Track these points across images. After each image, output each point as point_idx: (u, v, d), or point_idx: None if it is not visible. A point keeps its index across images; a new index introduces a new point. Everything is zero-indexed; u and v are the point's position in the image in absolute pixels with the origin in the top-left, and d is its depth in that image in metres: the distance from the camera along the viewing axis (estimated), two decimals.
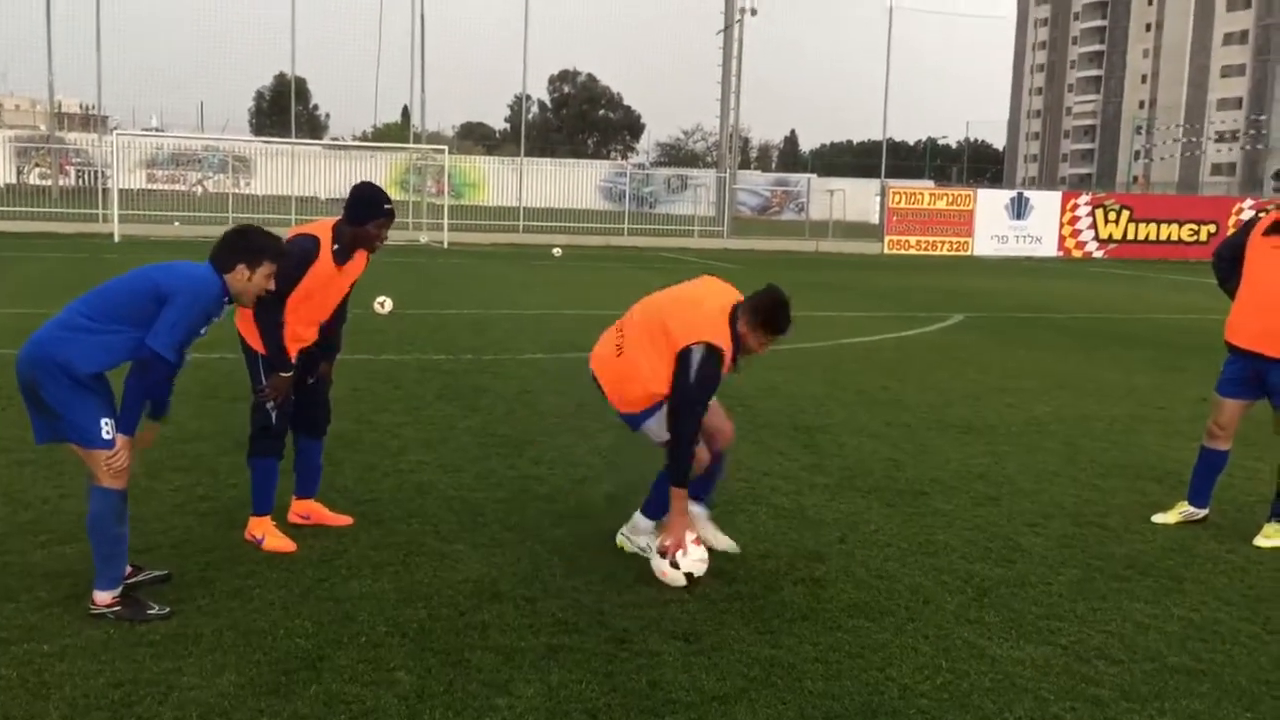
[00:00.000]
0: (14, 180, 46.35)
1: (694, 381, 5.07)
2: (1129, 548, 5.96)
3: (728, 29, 41.19)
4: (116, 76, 79.68)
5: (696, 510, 5.47)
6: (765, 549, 5.72)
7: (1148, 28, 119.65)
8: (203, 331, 4.63)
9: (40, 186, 45.90)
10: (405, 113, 67.16)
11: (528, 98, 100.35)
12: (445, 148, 37.06)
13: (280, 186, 40.70)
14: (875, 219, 41.19)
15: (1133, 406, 10.22)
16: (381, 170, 42.05)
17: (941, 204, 39.28)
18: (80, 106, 69.78)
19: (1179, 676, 4.34)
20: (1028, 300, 21.69)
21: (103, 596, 4.55)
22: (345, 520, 5.85)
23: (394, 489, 6.61)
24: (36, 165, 48.37)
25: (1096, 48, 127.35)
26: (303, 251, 5.27)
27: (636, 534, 5.54)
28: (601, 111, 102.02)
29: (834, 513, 6.43)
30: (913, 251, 38.11)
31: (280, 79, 69.05)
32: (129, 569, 4.85)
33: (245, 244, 4.70)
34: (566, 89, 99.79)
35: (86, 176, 43.18)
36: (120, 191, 32.61)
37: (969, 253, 38.68)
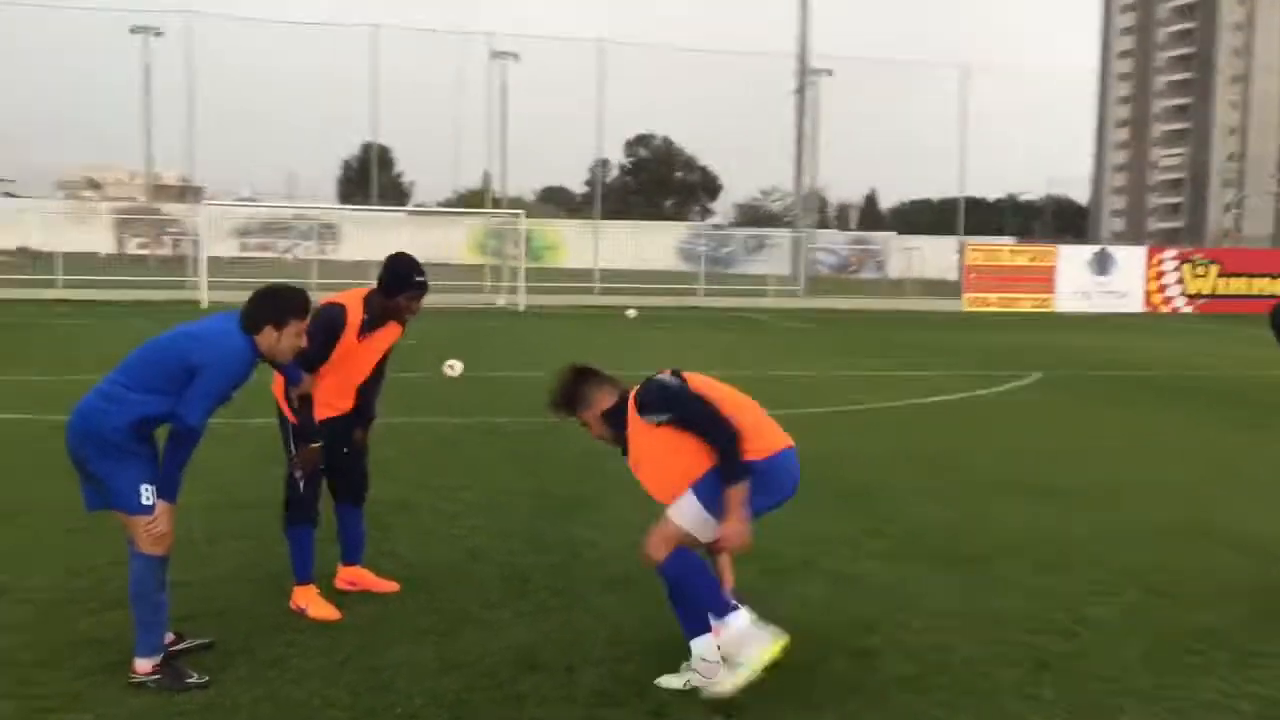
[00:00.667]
0: (115, 250, 48.03)
1: (685, 402, 4.62)
2: (1202, 620, 5.68)
3: (801, 90, 41.37)
4: (211, 149, 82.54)
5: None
6: (816, 618, 5.56)
7: (1234, 80, 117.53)
8: (232, 395, 4.66)
9: (139, 256, 47.49)
10: (486, 178, 68.67)
11: (605, 162, 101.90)
12: (522, 212, 37.53)
13: (366, 252, 41.59)
14: (954, 276, 40.74)
15: (1213, 468, 9.86)
16: (462, 235, 42.82)
17: (1022, 260, 38.77)
18: (179, 179, 72.31)
19: None
20: (1109, 357, 21.18)
21: (143, 665, 4.56)
22: (391, 586, 5.82)
23: (445, 554, 6.59)
24: (135, 236, 50.12)
25: (1182, 100, 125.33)
26: (329, 321, 5.30)
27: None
28: (678, 174, 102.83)
29: (889, 579, 6.25)
30: (993, 309, 37.59)
31: (366, 148, 70.95)
32: (172, 636, 4.87)
33: (273, 304, 4.74)
34: (643, 152, 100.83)
35: (182, 246, 44.64)
36: (212, 259, 33.55)
37: (1051, 309, 38.04)
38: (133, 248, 49.79)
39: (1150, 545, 7.11)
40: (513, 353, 19.42)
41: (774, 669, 4.83)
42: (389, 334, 5.60)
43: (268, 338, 4.72)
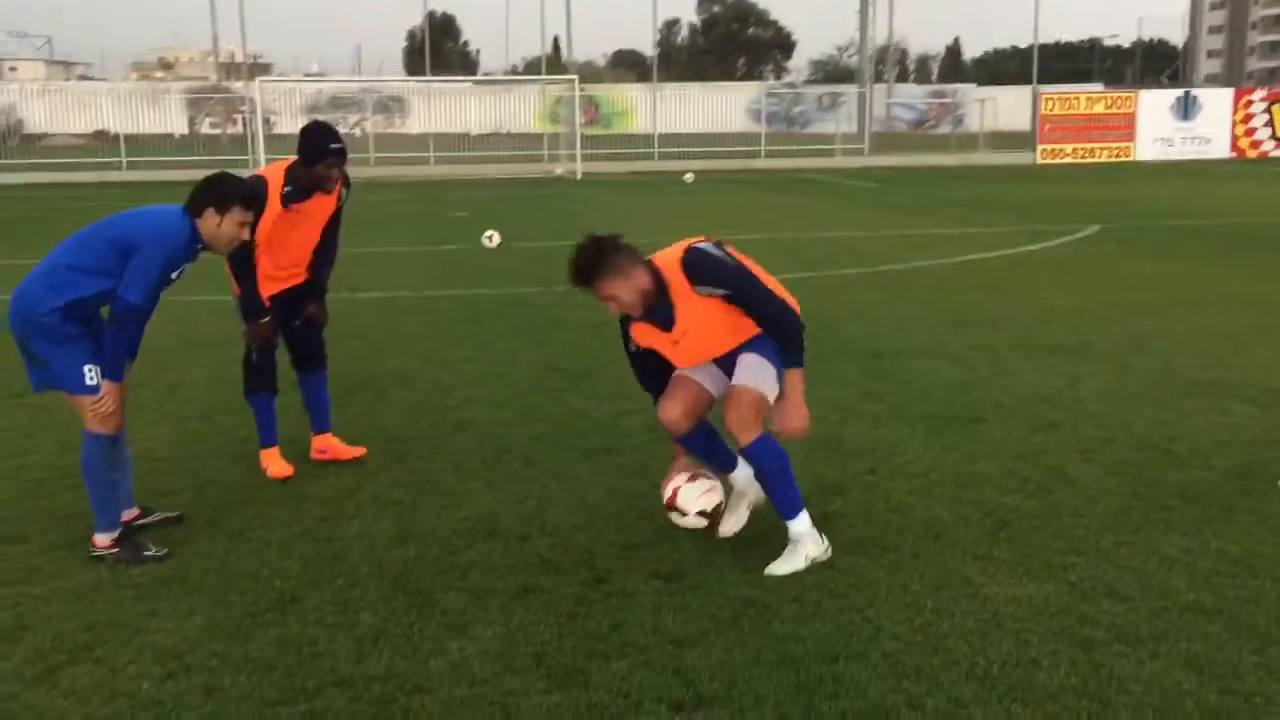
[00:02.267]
0: (187, 131, 48.49)
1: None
2: (1188, 475, 5.51)
3: None
4: (280, 26, 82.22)
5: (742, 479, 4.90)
6: None
7: None
8: (174, 277, 4.66)
9: (213, 135, 47.88)
10: (556, 44, 67.46)
11: (676, 21, 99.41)
12: (575, 78, 36.82)
13: (434, 124, 41.43)
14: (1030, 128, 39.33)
15: (1255, 319, 9.48)
16: (530, 103, 42.29)
17: (1099, 108, 37.23)
18: (249, 56, 72.43)
19: (1189, 615, 3.98)
20: (1179, 207, 20.39)
21: (101, 539, 4.68)
22: (358, 451, 5.93)
23: (431, 426, 6.63)
24: (207, 115, 50.44)
25: None
26: None
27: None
28: (751, 30, 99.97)
29: (872, 442, 6.15)
30: (1068, 160, 36.32)
31: (430, 17, 70.10)
32: (137, 511, 4.99)
33: (217, 189, 4.70)
34: (716, 9, 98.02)
35: (257, 124, 44.96)
36: (284, 136, 33.62)
37: (1131, 158, 36.65)
38: (205, 127, 50.16)
39: (1158, 402, 6.89)
40: (558, 222, 19.27)
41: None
42: (320, 206, 5.55)
43: (209, 222, 4.68)
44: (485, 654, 3.83)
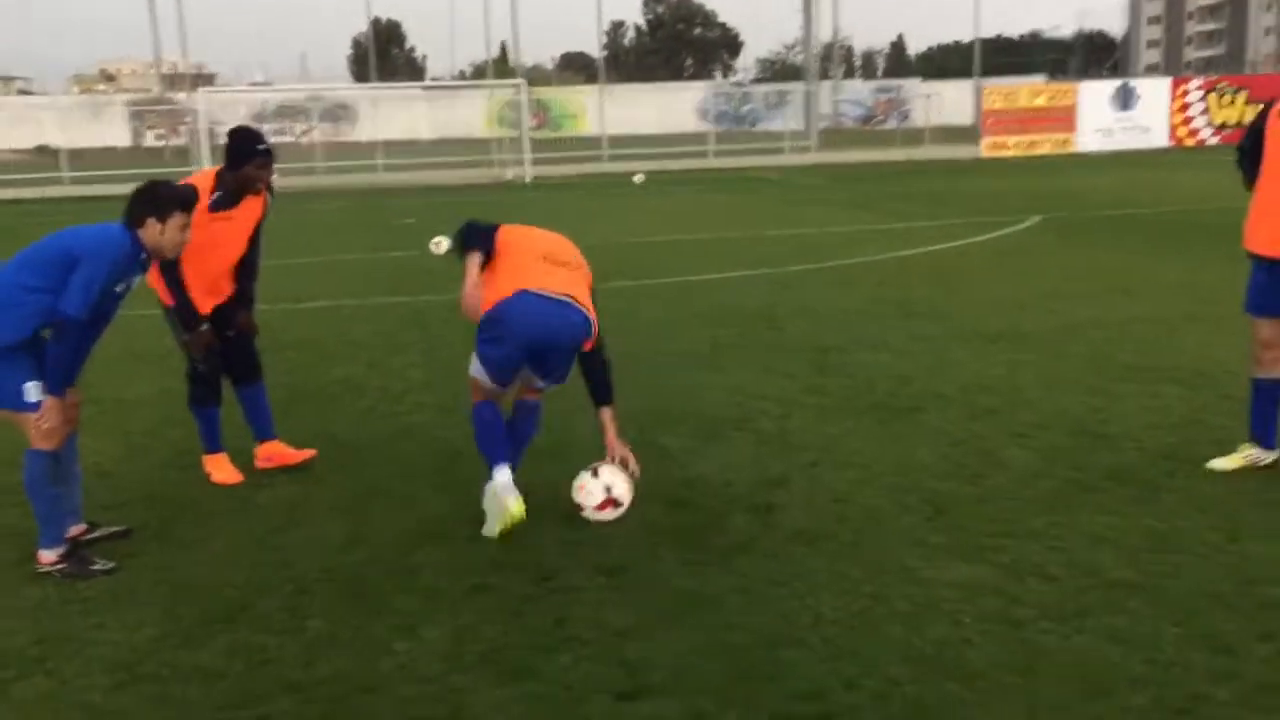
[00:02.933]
0: (131, 143, 47.84)
1: None
2: (1118, 457, 5.68)
3: None
4: (222, 36, 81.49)
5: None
6: (729, 477, 5.61)
7: None
8: (119, 290, 4.69)
9: (156, 148, 47.28)
10: (503, 48, 67.35)
11: (622, 23, 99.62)
12: (522, 81, 36.82)
13: (382, 131, 41.24)
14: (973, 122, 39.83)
15: (1187, 305, 9.72)
16: (479, 109, 42.20)
17: (1040, 100, 37.77)
18: (192, 68, 71.72)
19: (1114, 591, 4.13)
20: (1117, 197, 20.77)
21: (47, 555, 4.70)
22: (308, 454, 5.97)
23: (380, 433, 6.68)
24: (150, 127, 49.81)
25: None
26: None
27: None
28: (698, 30, 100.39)
29: (817, 435, 6.27)
30: (1011, 153, 36.79)
31: (376, 24, 69.64)
32: (83, 526, 5.00)
33: (153, 197, 4.73)
34: (660, 10, 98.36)
35: (200, 136, 44.50)
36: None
37: (1072, 150, 37.19)
38: (149, 139, 49.58)
39: (1091, 387, 7.07)
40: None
41: (665, 530, 4.94)
42: (249, 211, 5.60)
43: (151, 231, 4.72)
44: (434, 653, 3.90)
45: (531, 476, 5.76)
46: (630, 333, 9.19)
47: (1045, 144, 37.22)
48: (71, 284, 4.52)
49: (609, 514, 5.04)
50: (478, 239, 5.12)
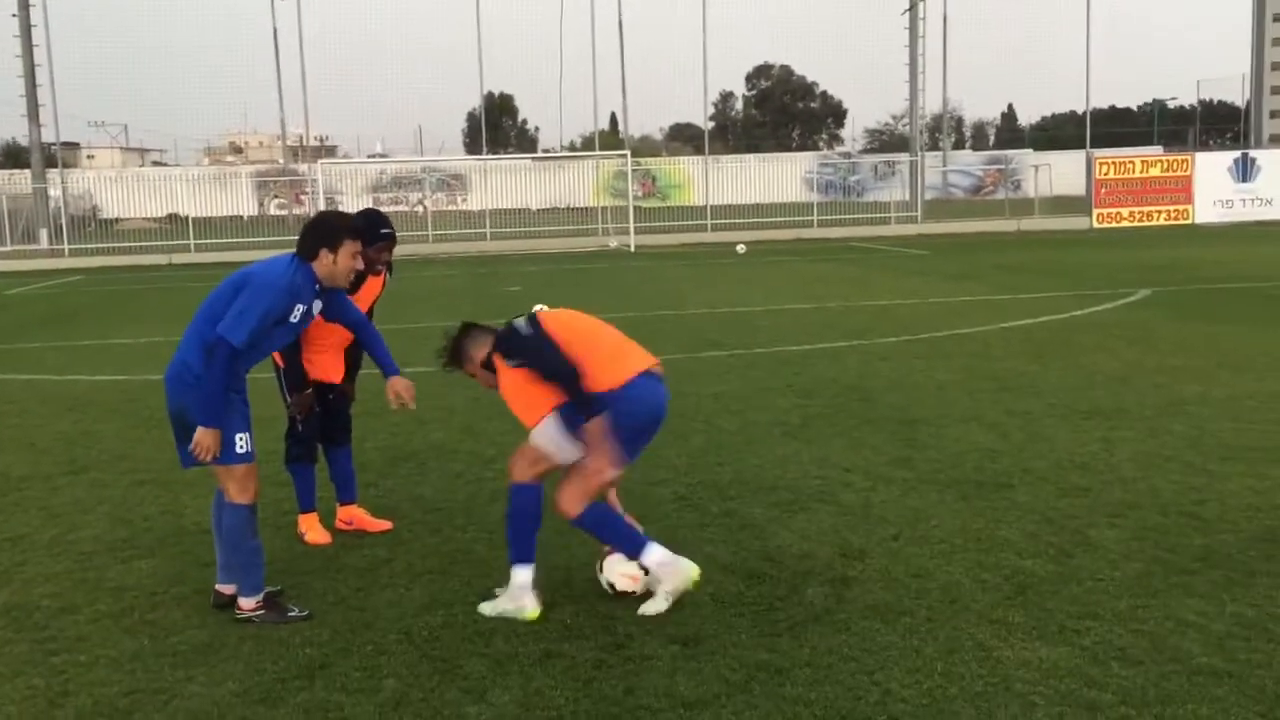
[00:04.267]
0: (255, 212, 49.87)
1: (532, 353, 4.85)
2: (1212, 539, 5.51)
3: (913, 8, 40.07)
4: (345, 110, 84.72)
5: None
6: (808, 548, 5.59)
7: None
8: (293, 319, 4.88)
9: (279, 216, 49.16)
10: (613, 119, 68.61)
11: (731, 94, 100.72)
12: (627, 152, 37.41)
13: (494, 201, 42.31)
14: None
15: None
16: (588, 178, 43.05)
17: (1155, 171, 37.03)
18: (316, 139, 74.54)
19: (1199, 679, 4.00)
20: (1233, 269, 20.21)
21: (246, 602, 4.91)
22: (384, 525, 6.11)
23: (468, 497, 6.81)
24: (275, 196, 51.86)
25: None
26: None
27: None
28: (801, 102, 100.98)
29: (900, 509, 6.21)
30: (1125, 224, 36.11)
31: (489, 98, 71.46)
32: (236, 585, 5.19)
33: (323, 229, 4.95)
34: (764, 83, 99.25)
35: (318, 204, 46.16)
36: None
37: (1189, 221, 36.33)
38: (272, 208, 51.56)
39: (1193, 466, 6.88)
40: (607, 294, 19.58)
41: (741, 600, 4.94)
42: (368, 291, 5.82)
43: (324, 261, 4.92)
44: (502, 717, 3.96)
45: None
46: (721, 402, 9.24)
47: (1160, 215, 36.44)
48: (232, 308, 4.72)
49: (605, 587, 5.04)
50: (522, 340, 4.86)
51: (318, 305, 5.04)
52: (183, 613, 5.06)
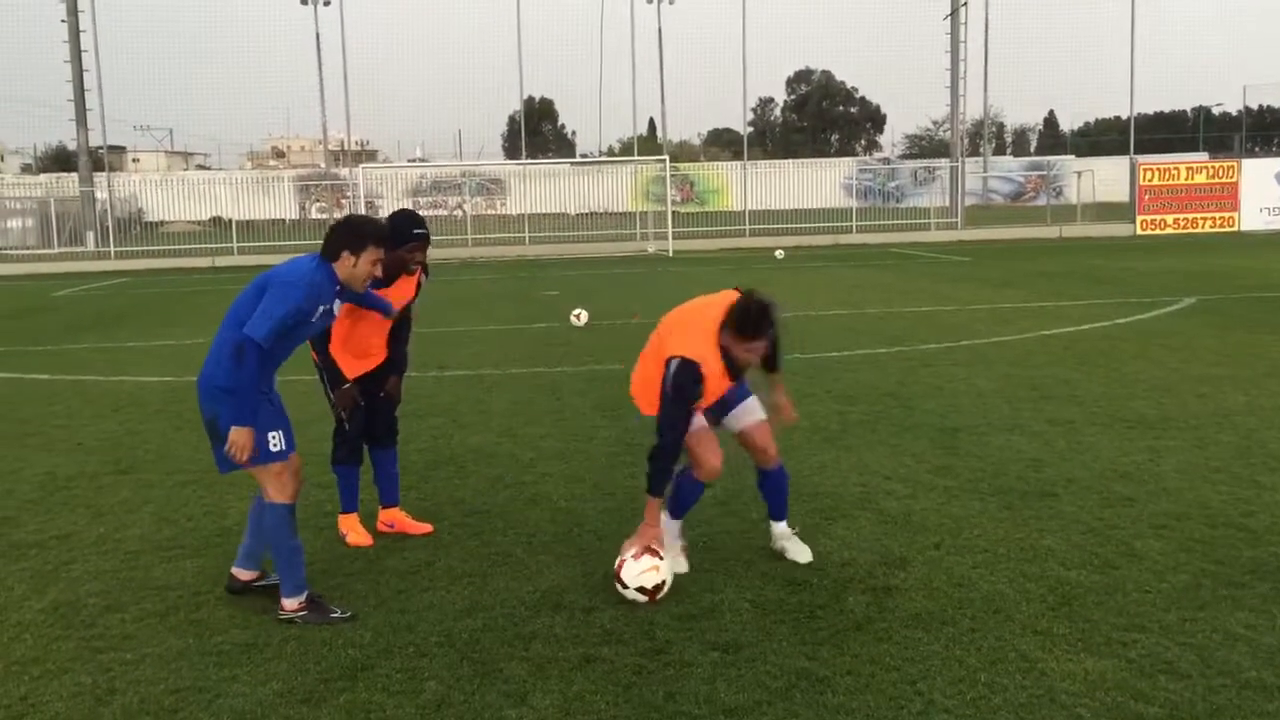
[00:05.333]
0: (297, 215, 50.38)
1: (667, 393, 5.07)
2: (1262, 551, 5.43)
3: (954, 13, 39.83)
4: (386, 115, 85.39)
5: (670, 528, 5.48)
6: (849, 556, 5.56)
7: None
8: (314, 319, 4.93)
9: (320, 219, 49.59)
10: (651, 125, 68.73)
11: (770, 100, 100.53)
12: (666, 158, 37.44)
13: (533, 204, 42.48)
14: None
15: None
16: (626, 182, 43.12)
17: (1200, 178, 36.60)
18: (357, 143, 75.12)
19: (1248, 693, 3.95)
20: None
21: (290, 603, 4.96)
22: (425, 528, 6.14)
23: (507, 501, 6.83)
24: (316, 200, 52.33)
25: None
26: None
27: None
28: (840, 108, 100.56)
29: (942, 517, 6.17)
30: (1169, 231, 35.72)
31: (528, 103, 71.70)
32: (255, 573, 5.24)
33: (350, 232, 4.99)
34: (804, 88, 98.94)
35: (359, 208, 46.55)
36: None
37: (1234, 228, 35.88)
38: (314, 212, 52.03)
39: (1240, 477, 6.78)
40: (645, 299, 19.57)
41: (782, 608, 4.92)
42: (402, 290, 5.85)
43: (345, 263, 4.97)
44: None
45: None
46: None
47: (1205, 223, 36.01)
48: (258, 309, 4.77)
49: (631, 597, 5.05)
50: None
51: (338, 305, 5.09)
52: (227, 612, 5.11)
